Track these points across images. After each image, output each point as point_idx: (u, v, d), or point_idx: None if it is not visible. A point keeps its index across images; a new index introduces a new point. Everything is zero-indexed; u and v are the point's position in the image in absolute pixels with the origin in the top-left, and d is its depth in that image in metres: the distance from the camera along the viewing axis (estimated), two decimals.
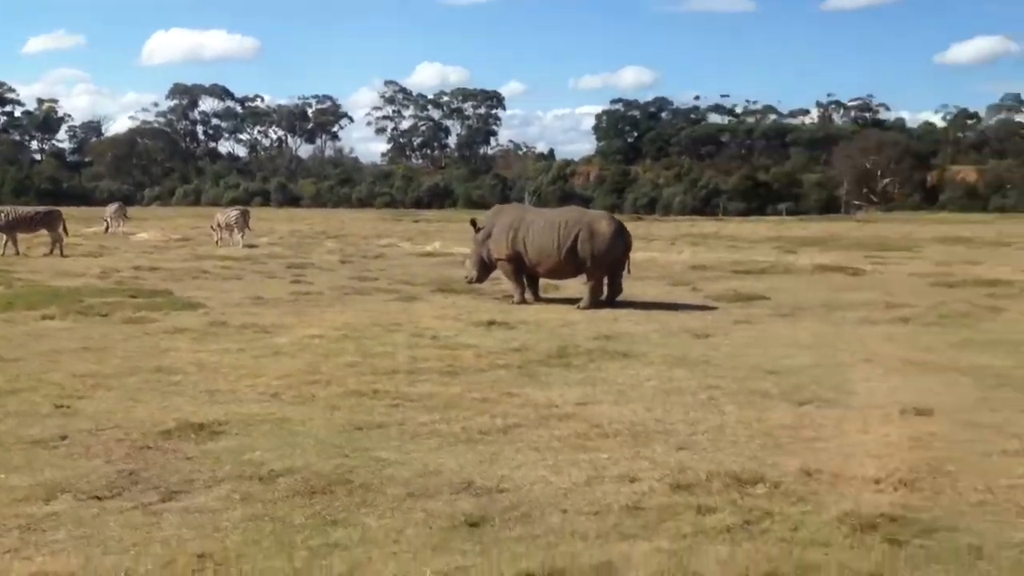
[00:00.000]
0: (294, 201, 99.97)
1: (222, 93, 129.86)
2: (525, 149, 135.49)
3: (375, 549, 4.80)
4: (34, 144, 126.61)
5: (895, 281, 19.59)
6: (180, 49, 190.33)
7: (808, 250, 31.48)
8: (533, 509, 5.39)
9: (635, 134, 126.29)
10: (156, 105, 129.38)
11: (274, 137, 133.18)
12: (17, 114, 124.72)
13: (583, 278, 15.81)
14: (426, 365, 9.78)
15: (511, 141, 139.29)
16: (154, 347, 10.78)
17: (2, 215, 25.53)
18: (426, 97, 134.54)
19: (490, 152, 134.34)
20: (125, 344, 10.96)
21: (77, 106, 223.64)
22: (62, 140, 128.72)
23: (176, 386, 8.68)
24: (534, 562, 4.49)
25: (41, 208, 28.02)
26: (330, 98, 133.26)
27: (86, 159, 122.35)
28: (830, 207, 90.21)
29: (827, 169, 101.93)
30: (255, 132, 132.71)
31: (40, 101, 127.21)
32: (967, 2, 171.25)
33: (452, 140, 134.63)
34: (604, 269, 15.27)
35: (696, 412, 7.75)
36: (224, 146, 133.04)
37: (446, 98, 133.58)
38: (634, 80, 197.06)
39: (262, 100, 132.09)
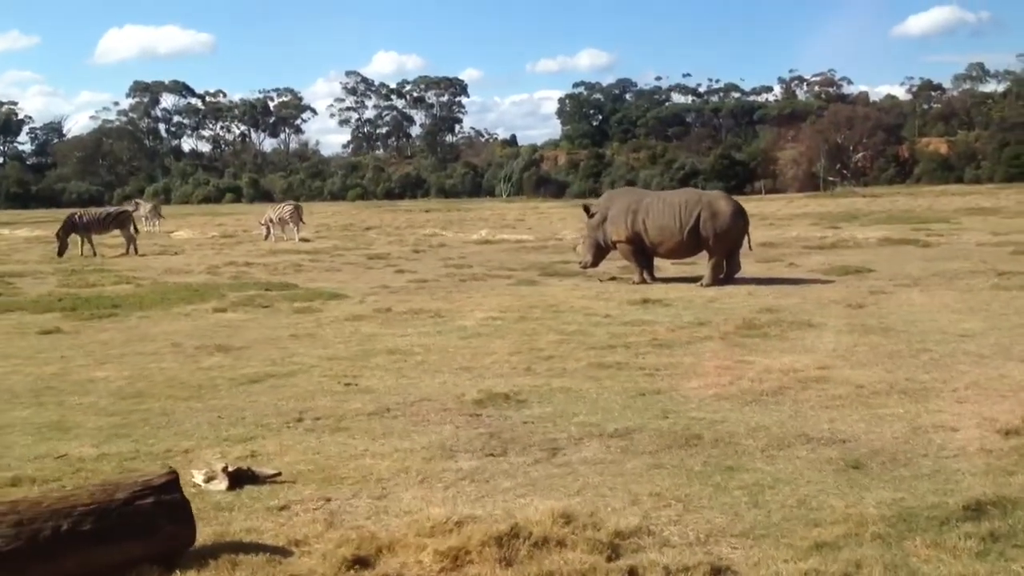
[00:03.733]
0: (266, 196, 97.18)
1: (182, 89, 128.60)
2: (487, 136, 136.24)
3: (800, 488, 5.39)
4: None
5: (974, 251, 20.31)
6: (134, 46, 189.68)
7: (848, 225, 32.28)
8: (895, 455, 5.98)
9: (600, 117, 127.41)
10: (116, 104, 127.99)
11: (236, 132, 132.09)
12: None
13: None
14: (631, 340, 10.36)
15: (472, 128, 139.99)
16: (355, 332, 11.32)
17: (75, 216, 25.95)
18: (388, 86, 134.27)
19: (455, 140, 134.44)
20: (324, 331, 11.50)
21: (32, 107, 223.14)
22: (23, 142, 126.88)
23: (427, 364, 9.23)
24: (973, 492, 5.10)
25: (111, 209, 28.44)
26: (291, 91, 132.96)
27: (48, 160, 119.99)
28: (806, 184, 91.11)
29: (796, 145, 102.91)
30: (218, 128, 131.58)
31: None
32: None
33: (415, 129, 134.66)
34: (726, 247, 15.88)
35: (936, 372, 8.37)
36: (187, 143, 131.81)
37: (408, 87, 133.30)
38: (591, 63, 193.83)
39: (223, 95, 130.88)
